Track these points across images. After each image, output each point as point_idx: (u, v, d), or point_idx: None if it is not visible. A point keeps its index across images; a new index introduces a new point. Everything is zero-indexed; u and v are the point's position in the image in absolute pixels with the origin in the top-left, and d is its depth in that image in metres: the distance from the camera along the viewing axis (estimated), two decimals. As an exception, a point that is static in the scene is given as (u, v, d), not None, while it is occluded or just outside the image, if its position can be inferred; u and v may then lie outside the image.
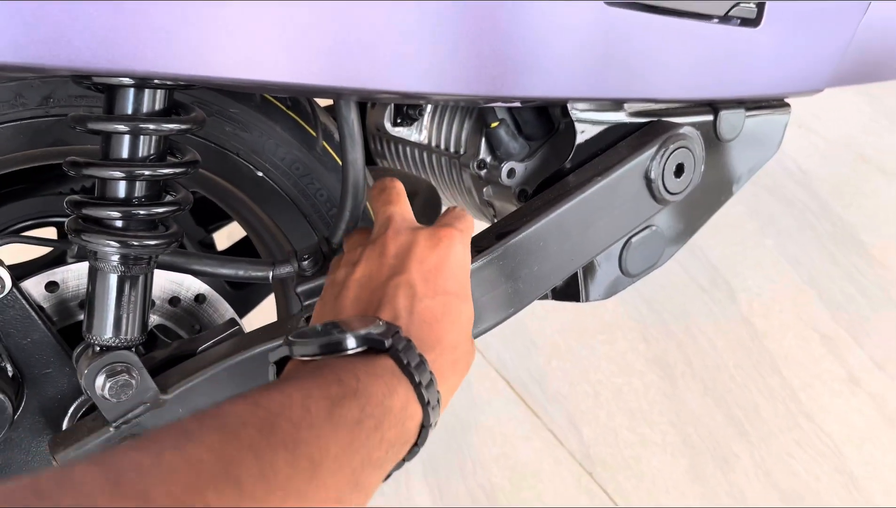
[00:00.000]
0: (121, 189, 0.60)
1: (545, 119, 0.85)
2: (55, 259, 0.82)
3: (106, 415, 0.64)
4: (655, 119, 0.84)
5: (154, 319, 0.77)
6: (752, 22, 0.83)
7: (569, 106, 0.79)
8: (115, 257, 0.60)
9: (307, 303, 0.70)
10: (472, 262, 0.69)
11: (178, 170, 0.61)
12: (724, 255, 1.55)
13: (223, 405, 0.40)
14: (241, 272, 0.71)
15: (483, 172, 0.88)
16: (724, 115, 0.89)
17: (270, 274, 0.71)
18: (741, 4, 0.80)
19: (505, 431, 1.26)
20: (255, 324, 0.74)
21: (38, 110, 0.67)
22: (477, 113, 0.89)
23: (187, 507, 0.32)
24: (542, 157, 0.86)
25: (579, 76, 0.73)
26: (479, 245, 0.72)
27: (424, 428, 0.49)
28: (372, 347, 0.48)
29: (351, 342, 0.48)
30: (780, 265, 1.53)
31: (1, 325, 0.67)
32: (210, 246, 1.07)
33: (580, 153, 0.81)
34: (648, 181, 0.80)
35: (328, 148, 0.81)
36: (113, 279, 0.61)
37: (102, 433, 0.65)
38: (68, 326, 0.73)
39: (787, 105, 0.97)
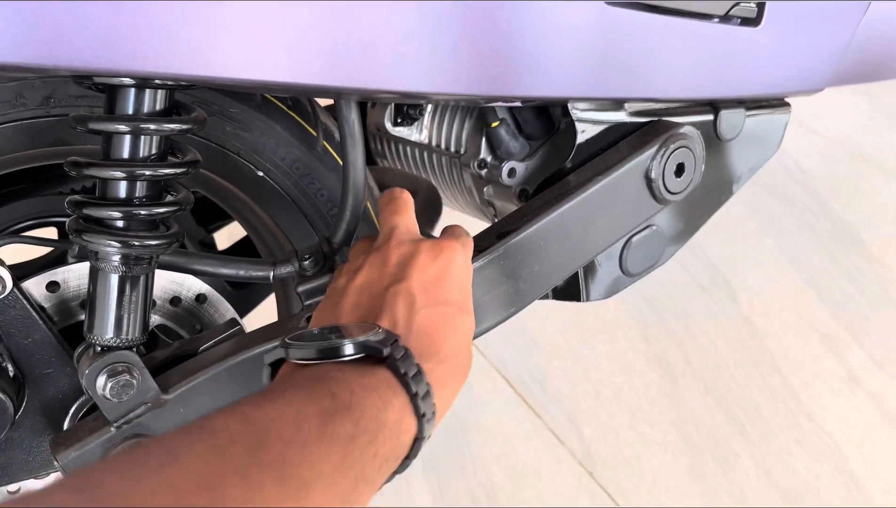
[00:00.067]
0: (122, 189, 0.60)
1: (546, 119, 0.85)
2: (56, 259, 0.82)
3: (107, 415, 0.64)
4: (656, 119, 0.84)
5: (155, 319, 0.77)
6: (753, 21, 0.83)
7: (569, 106, 0.79)
8: (117, 258, 0.60)
9: (308, 303, 0.70)
10: (473, 261, 0.69)
11: (179, 170, 0.61)
12: (725, 254, 1.55)
13: (212, 419, 0.39)
14: (241, 272, 0.71)
15: (484, 172, 0.88)
16: (725, 114, 0.89)
17: (271, 274, 0.71)
18: (741, 4, 0.80)
19: (505, 430, 1.26)
20: (256, 324, 0.74)
21: (39, 110, 0.67)
22: (477, 113, 0.89)
23: None
24: (542, 156, 0.86)
25: (580, 76, 0.73)
26: (480, 245, 0.72)
27: (418, 441, 0.48)
28: (369, 355, 0.48)
29: (348, 349, 0.47)
30: (781, 264, 1.53)
31: (2, 325, 0.67)
32: (210, 246, 1.07)
33: (581, 153, 0.81)
34: (649, 181, 0.80)
35: (329, 148, 0.81)
36: (114, 279, 0.61)
37: (103, 433, 0.65)
38: (69, 326, 0.73)
39: (788, 104, 0.97)
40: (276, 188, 0.79)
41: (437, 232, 0.84)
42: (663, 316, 1.44)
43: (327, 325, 0.50)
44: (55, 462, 0.64)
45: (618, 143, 0.83)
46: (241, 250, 1.06)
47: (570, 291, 0.86)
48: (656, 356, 1.37)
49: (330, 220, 0.81)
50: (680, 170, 0.82)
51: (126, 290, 0.62)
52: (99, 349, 0.63)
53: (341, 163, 0.79)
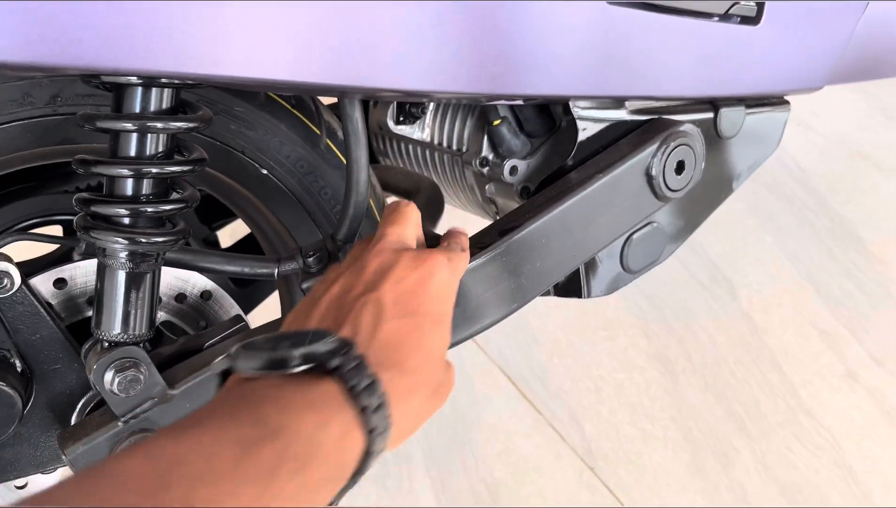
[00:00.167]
0: (129, 187, 0.61)
1: (547, 117, 0.86)
2: (62, 257, 0.83)
3: (115, 410, 0.65)
4: (656, 117, 0.85)
5: (160, 315, 0.78)
6: (752, 20, 0.84)
7: (570, 104, 0.80)
8: (124, 254, 0.61)
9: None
10: (475, 259, 0.70)
11: (185, 168, 0.62)
12: (724, 251, 1.56)
13: (116, 459, 0.36)
14: (246, 269, 0.72)
15: (485, 170, 0.89)
16: (725, 112, 0.89)
17: (276, 271, 0.72)
18: (741, 3, 0.81)
19: (507, 427, 1.27)
20: (260, 321, 0.74)
21: (46, 109, 0.68)
22: (479, 111, 0.89)
23: None
24: (543, 154, 0.86)
25: (581, 75, 0.73)
26: (482, 242, 0.73)
27: (369, 455, 0.45)
28: (318, 365, 0.45)
29: (294, 360, 0.45)
30: (780, 262, 1.54)
31: (10, 321, 0.68)
32: (214, 244, 1.08)
33: (582, 151, 0.82)
34: (649, 178, 0.81)
35: (332, 146, 0.81)
36: (121, 276, 0.62)
37: (111, 428, 0.65)
38: (76, 322, 0.74)
39: (787, 102, 0.97)
40: (280, 186, 0.80)
41: (440, 229, 0.85)
42: (664, 313, 1.45)
43: (285, 332, 0.48)
44: (63, 457, 0.65)
45: (618, 141, 0.83)
46: (243, 249, 1.07)
47: (571, 287, 0.86)
48: (657, 352, 1.38)
49: (333, 217, 0.82)
50: (680, 167, 0.82)
51: (133, 286, 0.63)
52: (106, 344, 0.64)
53: (344, 161, 0.79)
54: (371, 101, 1.00)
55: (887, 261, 1.54)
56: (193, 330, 0.80)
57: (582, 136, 0.82)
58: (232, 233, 1.12)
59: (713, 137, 0.89)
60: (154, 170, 0.60)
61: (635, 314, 1.44)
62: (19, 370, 0.69)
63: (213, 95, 0.73)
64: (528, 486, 1.19)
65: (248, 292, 1.03)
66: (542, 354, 1.37)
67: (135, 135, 0.59)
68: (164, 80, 0.58)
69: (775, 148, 0.97)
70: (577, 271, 0.85)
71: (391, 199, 0.95)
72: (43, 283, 0.71)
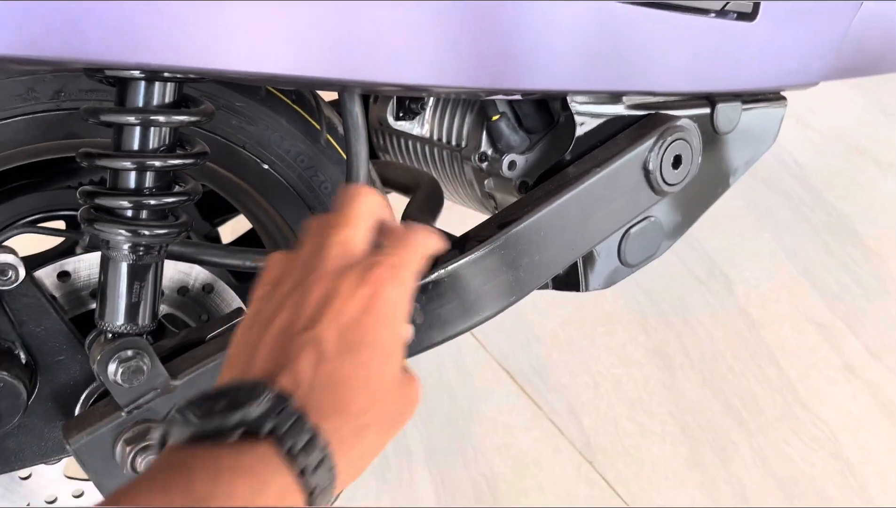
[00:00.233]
0: (132, 179, 0.61)
1: (545, 112, 0.87)
2: (65, 251, 0.84)
3: (118, 400, 0.66)
4: (653, 112, 0.86)
5: (162, 308, 0.78)
6: (748, 16, 0.85)
7: (568, 99, 0.80)
8: (127, 246, 0.62)
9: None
10: (475, 251, 0.71)
11: (187, 161, 0.63)
12: (722, 247, 1.57)
13: None
14: (248, 262, 0.73)
15: (484, 165, 0.89)
16: (721, 108, 0.90)
17: (277, 263, 0.72)
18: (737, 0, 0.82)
19: (506, 421, 1.28)
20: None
21: (50, 104, 0.69)
22: (478, 107, 0.90)
23: None
24: (542, 149, 0.87)
25: (579, 69, 0.74)
26: (481, 235, 0.74)
27: None
28: (254, 432, 0.43)
29: (228, 428, 0.42)
30: (777, 257, 1.55)
31: (15, 313, 0.69)
32: (215, 240, 1.09)
33: (580, 145, 0.83)
34: (647, 172, 0.81)
35: (332, 141, 0.82)
36: (124, 268, 0.63)
37: (114, 418, 0.66)
38: (80, 315, 0.74)
39: (783, 98, 0.98)
40: (280, 181, 0.80)
41: (439, 225, 0.86)
42: (662, 309, 1.45)
43: (221, 387, 0.45)
44: (67, 447, 0.66)
45: (616, 135, 0.84)
46: (244, 245, 1.07)
47: (569, 281, 0.87)
48: (655, 347, 1.39)
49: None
50: (677, 162, 0.83)
51: (136, 278, 0.63)
52: (110, 335, 0.65)
53: (344, 156, 0.80)
54: (371, 97, 1.01)
55: (884, 255, 1.55)
56: (195, 323, 0.81)
57: (580, 131, 0.82)
58: (233, 231, 1.13)
59: (710, 132, 0.90)
60: (157, 163, 0.61)
61: (633, 310, 1.45)
62: (24, 361, 0.69)
63: (215, 91, 0.73)
64: (527, 479, 1.20)
65: (249, 286, 1.03)
66: (541, 349, 1.38)
67: (138, 128, 0.60)
68: (166, 74, 0.59)
69: (772, 144, 0.98)
70: (576, 264, 0.85)
71: (391, 195, 0.96)
72: (47, 275, 0.71)
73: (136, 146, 0.61)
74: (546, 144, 0.87)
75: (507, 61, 0.68)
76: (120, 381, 0.64)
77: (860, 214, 1.64)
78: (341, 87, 0.69)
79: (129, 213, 0.62)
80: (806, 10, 0.90)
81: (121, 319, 0.64)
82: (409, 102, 0.96)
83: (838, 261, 1.54)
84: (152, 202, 0.61)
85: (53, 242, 0.96)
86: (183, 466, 0.41)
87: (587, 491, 1.19)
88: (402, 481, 1.20)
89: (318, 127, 0.81)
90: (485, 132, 0.89)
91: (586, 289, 0.88)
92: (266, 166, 0.79)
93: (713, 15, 0.82)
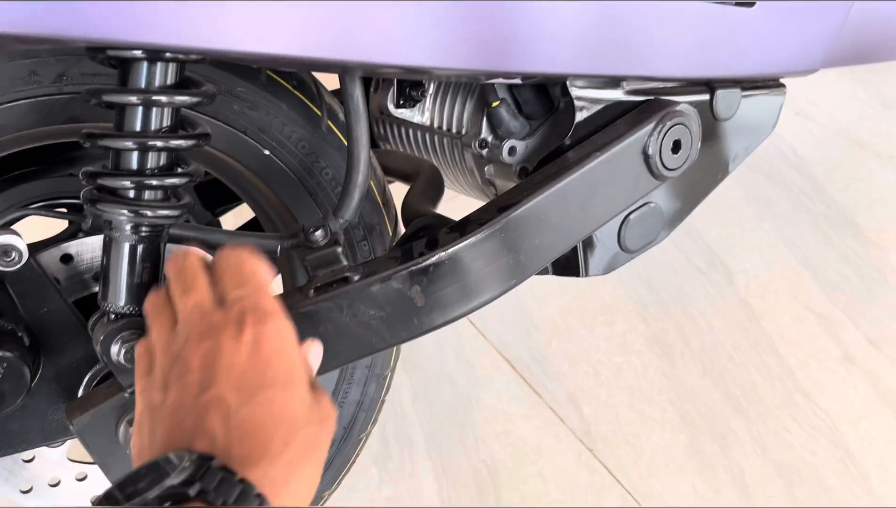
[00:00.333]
0: (134, 160, 0.62)
1: (545, 98, 0.87)
2: (68, 237, 0.84)
3: (121, 381, 0.66)
4: (653, 97, 0.86)
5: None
6: (747, 2, 0.85)
7: (568, 84, 0.81)
8: (129, 226, 0.62)
9: (315, 274, 0.72)
10: (475, 234, 0.71)
11: (189, 142, 0.63)
12: (722, 237, 1.57)
13: None
14: (251, 245, 0.73)
15: (484, 151, 0.90)
16: (721, 94, 0.90)
17: (279, 246, 0.73)
18: (736, -17, 0.82)
19: (507, 409, 1.28)
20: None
21: (52, 88, 0.69)
22: (478, 93, 0.91)
23: None
24: (542, 135, 0.87)
25: (579, 53, 0.75)
26: (482, 218, 0.74)
27: None
28: (181, 500, 0.43)
29: (153, 503, 0.43)
30: (777, 248, 1.55)
31: (18, 295, 0.69)
32: (216, 228, 1.09)
33: (579, 131, 0.83)
34: (646, 157, 0.82)
35: (333, 127, 0.83)
36: (126, 248, 0.63)
37: (118, 400, 0.67)
38: (83, 298, 0.75)
39: (783, 85, 0.98)
40: (282, 167, 0.81)
41: (440, 210, 0.86)
42: (661, 298, 1.46)
43: (138, 469, 0.45)
44: (70, 427, 0.66)
45: (616, 121, 0.85)
46: (246, 232, 1.08)
47: (569, 266, 0.88)
48: (654, 336, 1.39)
49: (335, 198, 0.83)
50: (677, 146, 0.83)
51: (138, 258, 0.64)
52: (113, 316, 0.65)
53: (346, 142, 0.80)
54: (371, 85, 1.02)
55: (884, 247, 1.55)
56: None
57: (579, 116, 0.83)
58: (234, 224, 1.14)
59: (709, 118, 0.90)
60: (159, 143, 0.61)
61: (633, 299, 1.45)
62: (27, 343, 0.70)
63: (216, 76, 0.74)
64: (527, 466, 1.21)
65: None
66: (541, 338, 1.38)
67: (140, 109, 0.60)
68: (168, 54, 0.60)
69: (771, 131, 0.98)
70: (576, 250, 0.86)
71: (393, 184, 0.97)
72: (50, 258, 0.72)
73: (138, 127, 0.61)
74: (546, 130, 0.87)
75: (507, 43, 0.68)
76: (123, 361, 0.65)
77: (860, 205, 1.64)
78: (342, 69, 0.69)
79: (132, 193, 0.62)
80: (805, -3, 0.90)
81: (123, 300, 0.64)
82: (410, 89, 0.97)
83: (838, 252, 1.54)
84: (154, 182, 0.62)
85: (57, 230, 0.96)
86: None
87: (587, 478, 1.19)
88: (403, 469, 1.21)
89: (318, 113, 0.81)
90: (485, 119, 0.89)
91: (586, 274, 0.88)
92: (267, 152, 0.79)
93: (712, 0, 0.82)
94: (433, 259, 0.70)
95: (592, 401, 1.29)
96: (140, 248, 0.64)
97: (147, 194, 0.63)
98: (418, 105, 0.97)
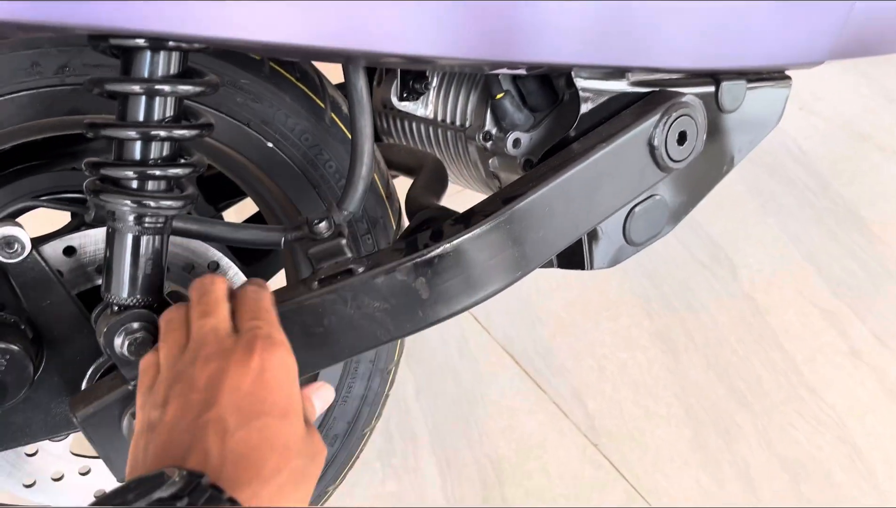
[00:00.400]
0: (137, 150, 0.61)
1: (549, 90, 0.86)
2: (71, 230, 0.84)
3: (125, 373, 0.66)
4: (658, 89, 0.85)
5: (169, 285, 0.78)
6: (753, -8, 0.84)
7: (573, 74, 0.80)
8: (132, 217, 0.62)
9: (319, 266, 0.71)
10: (480, 225, 0.71)
11: (193, 131, 0.63)
12: (726, 232, 1.57)
13: None
14: (254, 237, 0.73)
15: (489, 144, 0.89)
16: (726, 86, 0.90)
17: (283, 239, 0.73)
18: (742, -27, 0.82)
19: (511, 404, 1.28)
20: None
21: (55, 79, 0.69)
22: (482, 85, 0.90)
23: None
24: (546, 127, 0.87)
25: (584, 43, 0.74)
26: (486, 210, 0.73)
27: None
28: None
29: None
30: (781, 242, 1.55)
31: (21, 287, 0.69)
32: (219, 223, 1.08)
33: (584, 122, 0.83)
34: (652, 148, 0.81)
35: (336, 120, 0.82)
36: (129, 239, 0.63)
37: (121, 392, 0.66)
38: (86, 291, 0.74)
39: (788, 78, 0.98)
40: (285, 160, 0.80)
41: (444, 202, 0.86)
42: (665, 293, 1.45)
43: (129, 482, 0.46)
44: (74, 420, 0.66)
45: (621, 112, 0.84)
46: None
47: (574, 259, 0.87)
48: (659, 331, 1.39)
49: (338, 191, 0.83)
50: (682, 138, 0.83)
51: (141, 250, 0.63)
52: (116, 308, 0.65)
53: (349, 135, 0.80)
54: (374, 79, 1.01)
55: (889, 241, 1.54)
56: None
57: (584, 108, 0.82)
58: (237, 219, 1.13)
59: (715, 110, 0.90)
60: (162, 133, 0.61)
61: (637, 294, 1.45)
62: (30, 335, 0.69)
63: (219, 67, 0.73)
64: (532, 462, 1.20)
65: (254, 269, 1.03)
66: (546, 333, 1.38)
67: (143, 98, 0.60)
68: (171, 43, 0.59)
69: (776, 123, 0.98)
70: (581, 243, 0.85)
71: (398, 179, 0.96)
72: (53, 250, 0.72)
73: (141, 117, 0.61)
74: (550, 122, 0.87)
75: (512, 33, 0.68)
76: (126, 353, 0.64)
77: (865, 200, 1.64)
78: (346, 58, 0.68)
79: (135, 184, 0.62)
80: (810, -12, 0.89)
81: (126, 291, 0.64)
82: (413, 81, 0.96)
83: (843, 247, 1.54)
84: (157, 173, 0.61)
85: (60, 225, 0.96)
86: None
87: (592, 473, 1.19)
88: (407, 464, 1.20)
89: (322, 105, 0.81)
90: (489, 111, 0.89)
91: (591, 267, 0.88)
92: (270, 144, 0.79)
93: (718, -9, 0.82)
94: (438, 251, 0.69)
95: (597, 396, 1.29)
96: (143, 239, 0.63)
97: (150, 185, 0.62)
98: (422, 98, 0.97)
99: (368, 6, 0.60)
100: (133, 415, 0.67)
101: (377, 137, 1.03)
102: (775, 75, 0.96)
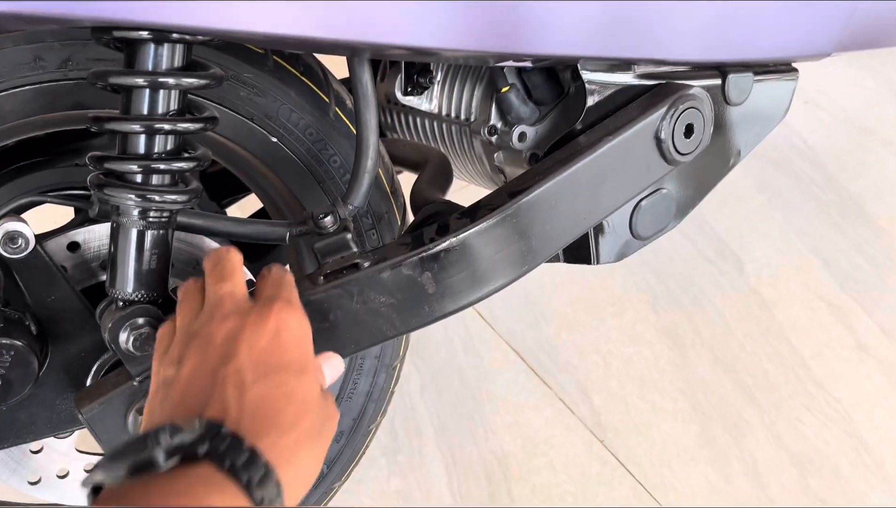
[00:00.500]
0: (141, 144, 0.61)
1: (555, 83, 0.86)
2: (75, 226, 0.83)
3: (130, 369, 0.65)
4: (664, 81, 0.85)
5: (175, 282, 0.78)
6: (760, -16, 0.84)
7: (579, 66, 0.80)
8: (136, 212, 0.61)
9: (325, 261, 0.71)
10: (486, 219, 0.70)
11: (197, 125, 0.62)
12: (732, 227, 1.56)
13: None
14: (259, 232, 0.73)
15: (494, 138, 0.89)
16: (733, 78, 0.89)
17: (288, 233, 0.72)
18: (749, -36, 0.81)
19: (516, 400, 1.27)
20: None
21: (58, 73, 0.68)
22: (487, 79, 0.90)
23: None
24: (552, 120, 0.86)
25: (590, 34, 0.73)
26: (492, 204, 0.73)
27: None
28: (190, 455, 0.44)
29: (160, 458, 0.44)
30: (787, 237, 1.54)
31: (25, 283, 0.68)
32: (223, 219, 1.08)
33: (590, 115, 0.82)
34: (659, 141, 0.81)
35: (341, 114, 0.82)
36: (134, 234, 0.63)
37: (127, 388, 0.66)
38: (90, 287, 0.74)
39: (795, 70, 0.97)
40: (289, 155, 0.80)
41: (450, 196, 0.85)
42: (672, 289, 1.45)
43: (147, 431, 0.46)
44: (79, 416, 0.66)
45: (627, 105, 0.84)
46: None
47: (580, 253, 0.87)
48: (665, 327, 1.38)
49: (343, 185, 0.82)
50: (689, 131, 0.82)
51: (146, 244, 0.63)
52: (121, 304, 0.64)
53: (353, 130, 0.80)
54: (378, 74, 1.01)
55: (895, 235, 1.54)
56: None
57: (590, 101, 0.82)
58: (241, 215, 1.13)
59: (721, 103, 0.89)
60: (166, 126, 0.60)
61: (643, 290, 1.44)
62: (34, 331, 0.69)
63: (222, 61, 0.73)
64: (538, 458, 1.20)
65: (260, 266, 1.03)
66: (551, 329, 1.37)
67: (147, 91, 0.60)
68: (175, 35, 0.59)
69: (783, 116, 0.97)
70: (587, 237, 0.85)
71: (402, 174, 0.96)
72: (57, 246, 0.71)
73: (145, 110, 0.60)
74: (556, 115, 0.86)
75: (518, 25, 0.67)
76: (132, 349, 0.64)
77: (871, 194, 1.63)
78: (351, 51, 0.68)
79: (139, 178, 0.61)
80: (818, -21, 0.89)
81: (131, 286, 0.64)
82: (418, 75, 0.96)
83: (849, 241, 1.53)
84: (161, 167, 0.61)
85: (63, 221, 0.95)
86: (116, 499, 0.42)
87: (598, 469, 1.18)
88: (412, 461, 1.20)
89: (326, 99, 0.80)
90: (494, 105, 0.88)
91: (597, 261, 0.87)
92: (274, 139, 0.79)
93: (725, -18, 0.81)
94: (444, 245, 0.69)
95: (603, 392, 1.28)
96: (148, 234, 0.63)
97: (155, 179, 0.62)
98: (426, 92, 0.96)
99: (373, -3, 0.59)
100: (139, 411, 0.66)
101: (381, 133, 1.03)
102: (782, 67, 0.96)
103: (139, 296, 0.64)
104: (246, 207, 1.13)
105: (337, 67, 0.84)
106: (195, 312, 0.57)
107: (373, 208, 0.85)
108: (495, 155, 0.91)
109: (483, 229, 0.70)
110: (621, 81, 0.83)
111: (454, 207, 0.79)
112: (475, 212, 0.73)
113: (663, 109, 0.80)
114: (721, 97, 0.89)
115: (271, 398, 0.50)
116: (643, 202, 0.85)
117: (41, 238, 0.70)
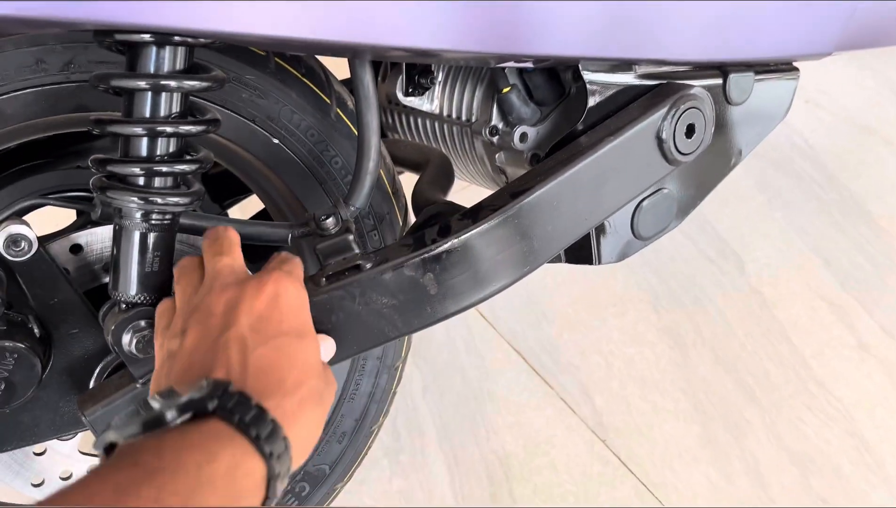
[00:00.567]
0: (143, 146, 0.61)
1: (556, 83, 0.86)
2: (78, 228, 0.84)
3: (133, 371, 0.65)
4: (665, 81, 0.85)
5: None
6: (760, -16, 0.84)
7: (580, 67, 0.80)
8: (139, 214, 0.62)
9: (327, 262, 0.71)
10: (488, 220, 0.70)
11: (199, 127, 0.62)
12: (733, 227, 1.56)
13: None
14: (262, 233, 0.73)
15: (495, 139, 0.89)
16: (734, 78, 0.89)
17: (290, 235, 0.72)
18: (750, -36, 0.81)
19: (518, 400, 1.27)
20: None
21: (60, 76, 0.68)
22: (488, 79, 0.90)
23: None
24: (553, 121, 0.86)
25: (591, 35, 0.74)
26: (494, 204, 0.73)
27: (272, 480, 0.46)
28: (199, 411, 0.46)
29: (171, 414, 0.45)
30: (788, 236, 1.54)
31: (28, 285, 0.68)
32: (225, 220, 1.08)
33: (592, 116, 0.82)
34: (660, 141, 0.81)
35: (342, 116, 0.82)
36: (137, 237, 0.63)
37: (129, 390, 0.66)
38: (93, 289, 0.74)
39: (796, 69, 0.97)
40: (291, 156, 0.80)
41: (451, 197, 0.86)
42: (672, 288, 1.45)
43: (158, 391, 0.48)
44: (83, 418, 0.66)
45: (628, 105, 0.84)
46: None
47: (582, 253, 0.87)
48: (666, 327, 1.38)
49: (344, 187, 0.83)
50: (690, 130, 0.82)
51: (149, 247, 0.63)
52: (123, 306, 0.65)
53: (355, 131, 0.80)
54: (380, 74, 1.01)
55: (897, 234, 1.54)
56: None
57: (592, 101, 0.82)
58: (242, 217, 1.13)
59: (722, 102, 0.89)
60: (168, 129, 0.61)
61: (644, 290, 1.44)
62: (37, 334, 0.69)
63: (224, 64, 0.73)
64: (540, 458, 1.20)
65: (259, 267, 1.03)
66: (552, 329, 1.38)
67: (149, 94, 0.60)
68: (177, 38, 0.59)
69: (784, 116, 0.97)
70: (588, 237, 0.85)
71: (403, 174, 0.96)
72: (60, 248, 0.71)
73: (147, 113, 0.60)
74: (557, 116, 0.86)
75: (520, 26, 0.67)
76: (134, 351, 0.64)
77: (871, 193, 1.63)
78: (352, 52, 0.68)
79: (141, 180, 0.61)
80: (818, -22, 0.89)
81: (134, 289, 0.64)
82: (419, 76, 0.96)
83: (850, 240, 1.53)
84: (164, 169, 0.61)
85: (65, 224, 0.96)
86: (131, 451, 0.43)
87: (600, 469, 1.18)
88: (414, 461, 1.20)
89: (328, 101, 0.80)
90: (495, 105, 0.88)
91: (599, 262, 0.87)
92: (276, 141, 0.79)
93: (725, -18, 0.81)
94: (446, 246, 0.69)
95: (604, 392, 1.28)
96: (150, 236, 0.63)
97: (157, 182, 0.62)
98: (427, 93, 0.96)
99: (375, 1, 0.59)
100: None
101: (382, 134, 1.03)
102: (783, 67, 0.96)
103: (142, 298, 0.64)
104: (247, 208, 1.13)
105: (338, 68, 0.84)
106: (194, 286, 0.59)
107: (374, 209, 0.85)
108: (496, 156, 0.91)
109: (485, 229, 0.70)
110: (622, 82, 0.83)
111: (456, 207, 0.79)
112: (477, 213, 0.73)
113: (664, 109, 0.80)
114: (722, 97, 0.89)
115: (274, 361, 0.52)
116: (644, 202, 0.85)
117: (44, 241, 0.70)
